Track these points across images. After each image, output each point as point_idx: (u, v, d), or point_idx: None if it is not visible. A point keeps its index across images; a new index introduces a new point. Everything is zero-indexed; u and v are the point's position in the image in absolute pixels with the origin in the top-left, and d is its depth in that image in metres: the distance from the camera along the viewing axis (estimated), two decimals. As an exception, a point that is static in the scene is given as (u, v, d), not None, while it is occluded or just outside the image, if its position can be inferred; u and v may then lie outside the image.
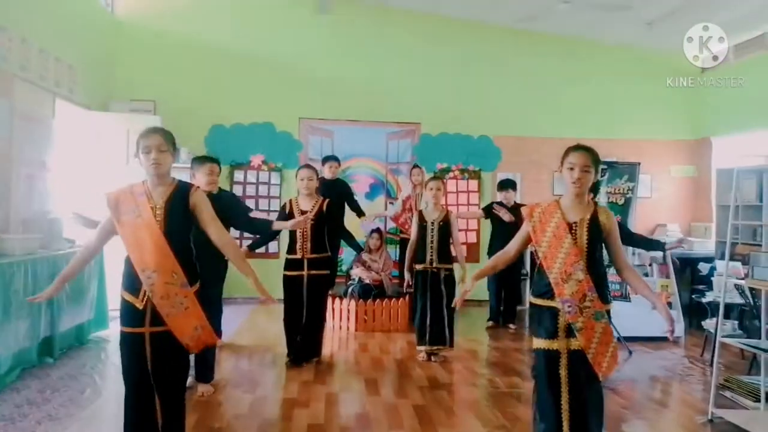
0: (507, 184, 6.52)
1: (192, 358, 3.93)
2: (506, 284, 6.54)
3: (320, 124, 8.18)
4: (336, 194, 6.16)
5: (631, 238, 4.73)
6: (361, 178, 8.14)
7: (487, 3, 7.66)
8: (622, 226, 4.59)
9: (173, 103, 7.53)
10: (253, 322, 6.49)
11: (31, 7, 5.59)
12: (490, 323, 6.57)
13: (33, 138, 5.49)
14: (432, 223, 5.03)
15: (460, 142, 8.33)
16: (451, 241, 5.09)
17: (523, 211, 2.83)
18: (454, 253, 5.10)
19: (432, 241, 5.00)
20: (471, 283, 2.89)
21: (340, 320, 6.24)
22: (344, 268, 7.34)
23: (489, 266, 3.03)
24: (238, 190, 7.81)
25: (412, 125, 8.33)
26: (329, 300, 6.27)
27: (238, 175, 7.93)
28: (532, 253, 6.98)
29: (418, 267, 5.06)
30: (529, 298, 2.80)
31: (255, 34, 8.06)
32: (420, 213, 5.14)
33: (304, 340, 4.72)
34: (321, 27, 8.16)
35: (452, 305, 3.23)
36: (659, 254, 6.26)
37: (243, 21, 8.06)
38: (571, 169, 2.63)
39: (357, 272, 6.66)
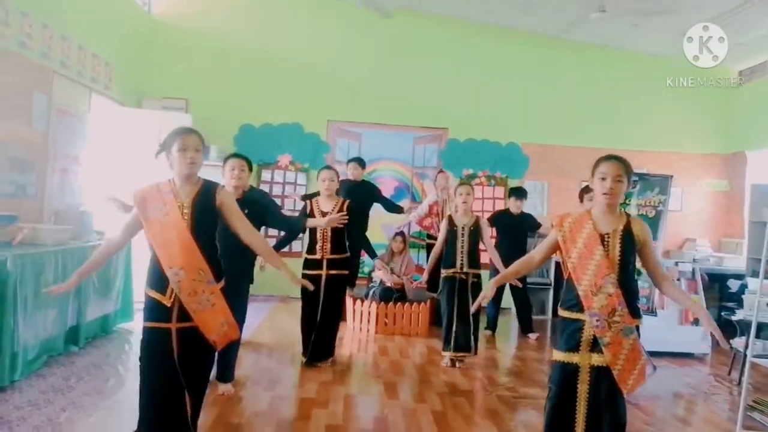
0: (514, 193, 6.50)
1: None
2: (509, 293, 6.46)
3: (348, 127, 8.22)
4: (361, 196, 6.18)
5: None
6: (386, 182, 8.15)
7: (518, 10, 7.62)
8: None
9: (204, 101, 7.66)
10: (273, 320, 6.53)
11: (71, 5, 5.75)
12: (489, 333, 6.40)
13: (68, 132, 5.63)
14: (462, 228, 5.02)
15: (487, 148, 8.30)
16: (482, 247, 5.08)
17: (553, 219, 2.77)
18: (487, 260, 5.08)
19: (462, 246, 4.99)
20: (491, 288, 2.83)
21: (360, 322, 6.25)
22: (366, 270, 7.35)
23: (511, 271, 2.94)
24: (264, 189, 7.87)
25: (439, 130, 8.32)
26: (350, 301, 6.30)
27: (266, 175, 8.01)
28: (558, 263, 6.89)
29: (447, 272, 5.04)
30: (558, 310, 2.70)
31: (286, 37, 8.15)
32: (449, 218, 5.13)
33: (318, 340, 4.73)
34: (352, 31, 8.22)
35: (471, 310, 3.19)
36: (688, 269, 6.14)
37: (274, 23, 8.16)
38: (603, 179, 2.55)
39: (379, 275, 6.66)
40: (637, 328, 2.58)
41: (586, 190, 6.01)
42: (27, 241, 4.21)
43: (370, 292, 6.47)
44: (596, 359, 2.53)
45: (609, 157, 2.61)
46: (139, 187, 2.74)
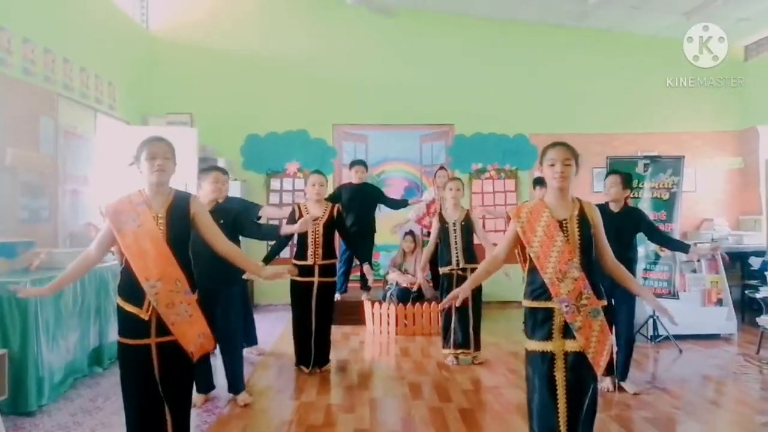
0: (539, 183, 6.38)
1: (222, 371, 3.98)
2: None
3: (354, 130, 8.20)
4: (364, 198, 6.18)
5: (653, 234, 4.30)
6: (395, 182, 8.13)
7: (518, 1, 7.57)
8: (647, 220, 4.37)
9: (209, 114, 7.68)
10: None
11: (71, 28, 5.79)
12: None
13: (76, 154, 5.67)
14: (454, 224, 4.99)
15: (495, 141, 8.25)
16: (475, 240, 5.03)
17: (510, 212, 2.76)
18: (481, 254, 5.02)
19: (456, 242, 4.96)
20: (464, 291, 2.80)
21: (380, 325, 6.22)
22: (381, 272, 7.33)
23: (482, 272, 2.90)
24: (274, 198, 7.91)
25: (445, 126, 8.29)
26: (368, 305, 6.28)
27: (275, 183, 8.02)
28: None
29: (444, 270, 5.01)
30: (524, 302, 2.69)
31: (286, 44, 8.15)
32: (440, 215, 5.08)
33: (317, 347, 4.69)
34: (351, 34, 8.21)
35: (439, 308, 3.16)
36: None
37: (273, 31, 8.17)
38: (552, 165, 2.60)
39: (393, 276, 6.63)
40: (603, 309, 2.59)
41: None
42: (44, 265, 4.22)
43: (387, 294, 6.44)
44: (570, 345, 2.56)
45: (555, 144, 2.66)
46: (109, 201, 2.70)
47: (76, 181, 5.66)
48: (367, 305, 6.29)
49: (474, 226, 5.01)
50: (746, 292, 5.87)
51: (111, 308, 4.86)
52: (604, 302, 2.61)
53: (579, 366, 2.55)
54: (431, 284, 6.75)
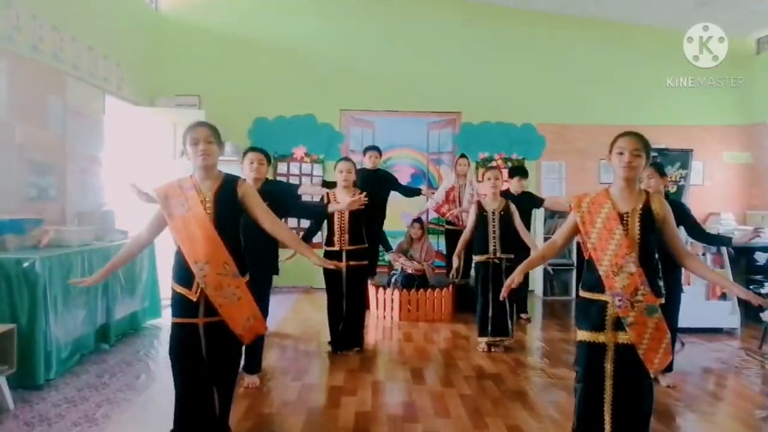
0: (516, 172, 6.25)
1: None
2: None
3: (361, 116, 8.19)
4: (377, 184, 6.17)
5: (695, 231, 4.26)
6: (402, 169, 8.12)
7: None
8: (692, 216, 4.32)
9: (217, 97, 7.68)
10: (297, 311, 6.58)
11: (80, 7, 5.78)
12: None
13: (85, 133, 5.69)
14: (492, 213, 4.99)
15: (502, 130, 8.23)
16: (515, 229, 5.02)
17: (571, 201, 2.73)
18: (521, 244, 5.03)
19: (494, 231, 4.97)
20: (518, 274, 2.83)
21: (384, 310, 6.26)
22: (387, 258, 7.35)
23: (537, 256, 2.95)
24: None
25: (453, 114, 8.26)
26: (373, 290, 6.31)
27: (281, 167, 8.03)
28: (579, 244, 6.76)
29: (480, 258, 5.03)
30: (580, 292, 2.68)
31: (295, 28, 8.13)
32: (479, 203, 5.10)
33: (345, 330, 4.79)
34: (361, 19, 8.17)
35: (499, 297, 3.15)
36: (713, 243, 6.04)
37: (283, 15, 8.13)
38: (621, 153, 2.53)
39: (399, 262, 6.65)
40: (661, 306, 2.54)
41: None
42: (53, 243, 4.27)
43: (392, 280, 6.47)
44: (622, 337, 2.52)
45: (626, 133, 2.60)
46: (160, 185, 2.75)
47: (84, 161, 5.69)
48: (371, 290, 6.32)
49: (513, 217, 5.01)
50: (751, 287, 5.87)
51: (118, 287, 4.92)
52: (662, 300, 2.54)
53: (629, 358, 2.50)
54: (435, 271, 6.78)
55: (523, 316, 6.34)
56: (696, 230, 4.28)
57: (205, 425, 2.70)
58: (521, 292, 6.41)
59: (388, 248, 6.14)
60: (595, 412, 2.56)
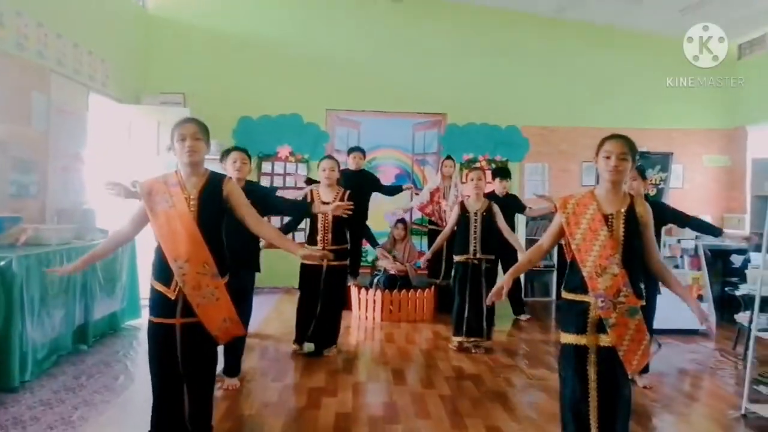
0: (499, 174, 6.26)
1: (221, 350, 4.02)
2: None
3: (347, 115, 8.20)
4: (361, 185, 6.18)
5: (680, 219, 4.31)
6: (387, 169, 8.14)
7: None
8: (671, 209, 4.36)
9: (202, 95, 7.63)
10: (279, 312, 6.57)
11: (65, 4, 5.72)
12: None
13: (68, 131, 5.63)
14: (475, 213, 5.02)
15: (487, 132, 8.28)
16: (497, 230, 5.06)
17: (557, 201, 2.77)
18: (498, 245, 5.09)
19: (475, 232, 5.00)
20: (507, 280, 2.80)
21: (366, 310, 6.28)
22: (369, 258, 7.37)
23: (524, 261, 2.93)
24: (265, 182, 7.89)
25: (438, 116, 8.30)
26: (355, 290, 6.32)
27: (266, 167, 8.01)
28: (561, 246, 6.77)
29: (459, 258, 5.06)
30: (562, 293, 2.70)
31: (282, 27, 8.11)
32: (461, 204, 5.13)
33: (320, 329, 4.75)
34: (348, 19, 8.18)
35: (480, 300, 3.15)
36: (690, 246, 6.14)
37: (269, 14, 8.11)
38: (608, 157, 2.54)
39: (382, 263, 6.67)
40: (642, 308, 2.57)
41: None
42: (31, 241, 4.22)
43: (375, 281, 6.50)
44: (603, 339, 2.54)
45: (613, 136, 2.61)
46: (145, 179, 2.72)
47: (67, 158, 5.63)
48: (353, 290, 6.34)
49: (496, 218, 5.03)
50: (726, 289, 5.96)
51: (97, 286, 4.88)
52: (643, 302, 2.57)
53: (611, 361, 2.53)
54: (418, 272, 6.81)
55: (522, 317, 6.40)
56: (681, 219, 4.30)
57: (182, 427, 2.69)
58: (514, 294, 6.49)
59: (374, 244, 6.15)
60: (582, 416, 2.57)
